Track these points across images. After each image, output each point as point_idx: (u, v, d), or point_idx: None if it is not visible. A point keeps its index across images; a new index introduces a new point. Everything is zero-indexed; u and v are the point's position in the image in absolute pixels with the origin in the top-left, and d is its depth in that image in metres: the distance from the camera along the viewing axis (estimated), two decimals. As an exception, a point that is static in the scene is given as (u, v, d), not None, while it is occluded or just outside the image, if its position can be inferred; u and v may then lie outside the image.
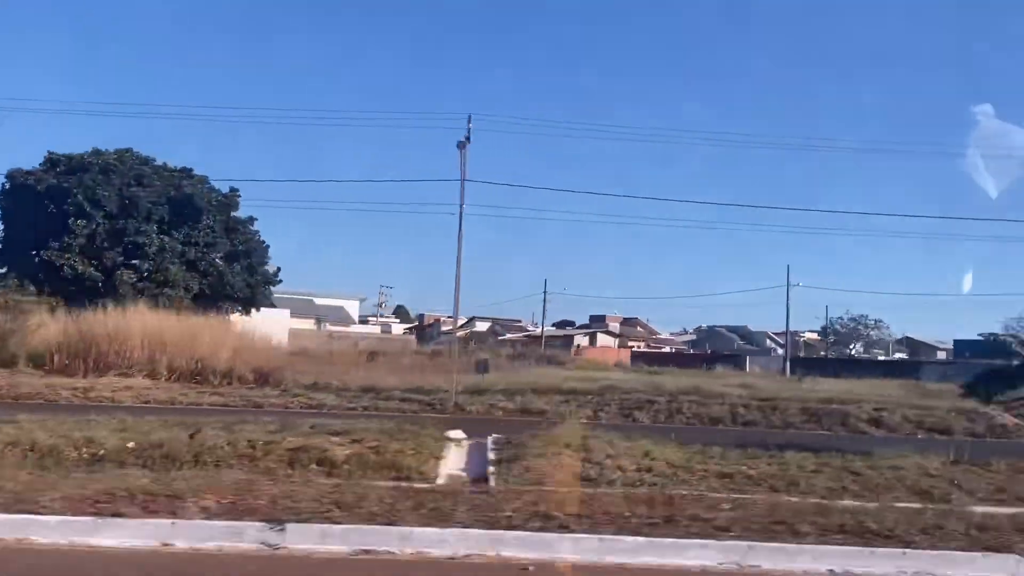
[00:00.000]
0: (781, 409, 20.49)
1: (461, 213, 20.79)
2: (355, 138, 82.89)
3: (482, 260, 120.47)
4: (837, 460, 11.31)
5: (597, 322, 75.64)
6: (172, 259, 31.73)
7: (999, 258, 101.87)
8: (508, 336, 78.03)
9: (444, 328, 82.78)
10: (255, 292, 34.96)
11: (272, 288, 37.88)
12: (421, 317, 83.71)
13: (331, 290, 67.57)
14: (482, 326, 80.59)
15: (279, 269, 37.58)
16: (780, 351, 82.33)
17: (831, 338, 70.36)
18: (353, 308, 68.36)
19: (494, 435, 12.35)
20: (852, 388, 27.97)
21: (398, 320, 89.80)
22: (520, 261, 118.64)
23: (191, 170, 35.10)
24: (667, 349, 73.00)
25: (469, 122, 20.45)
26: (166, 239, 31.90)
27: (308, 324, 63.90)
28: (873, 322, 68.36)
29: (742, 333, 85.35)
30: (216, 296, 33.40)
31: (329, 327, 64.59)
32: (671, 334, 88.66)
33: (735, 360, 54.51)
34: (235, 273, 33.67)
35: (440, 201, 66.74)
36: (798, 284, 54.28)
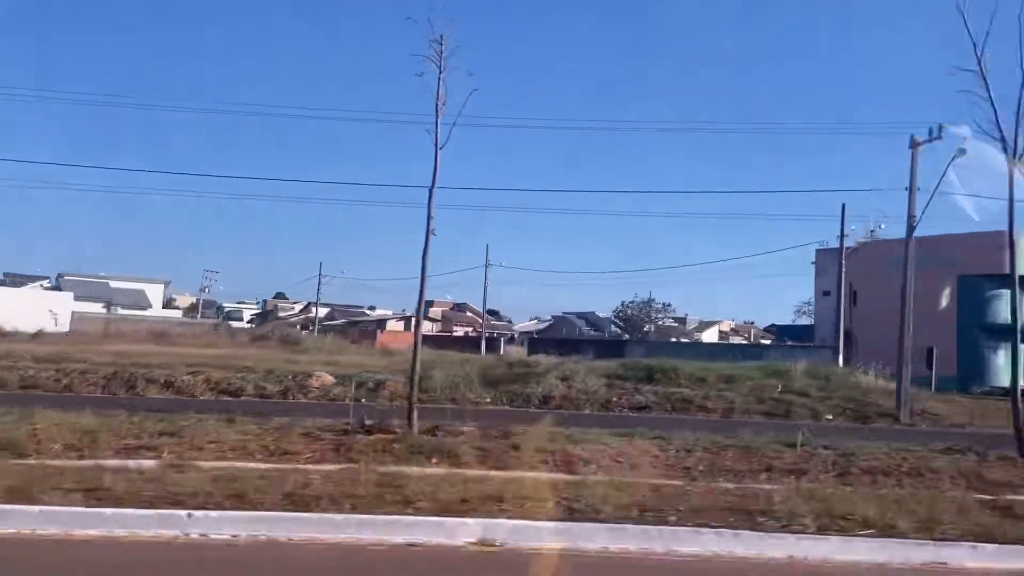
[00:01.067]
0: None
1: None
2: None
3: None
4: None
5: (425, 307, 74.23)
6: None
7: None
8: (339, 320, 77.16)
9: (280, 313, 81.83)
10: None
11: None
12: (264, 303, 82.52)
13: (131, 274, 66.16)
14: (322, 311, 79.53)
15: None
16: (626, 336, 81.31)
17: (621, 321, 69.19)
18: (155, 292, 66.84)
19: None
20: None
21: (256, 305, 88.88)
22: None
23: None
24: (492, 333, 71.68)
25: None
26: None
27: (96, 307, 62.62)
28: (661, 305, 67.11)
29: (590, 319, 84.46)
30: None
31: (121, 311, 63.30)
32: (538, 321, 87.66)
33: (495, 343, 53.38)
34: None
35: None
36: (500, 264, 53.65)
